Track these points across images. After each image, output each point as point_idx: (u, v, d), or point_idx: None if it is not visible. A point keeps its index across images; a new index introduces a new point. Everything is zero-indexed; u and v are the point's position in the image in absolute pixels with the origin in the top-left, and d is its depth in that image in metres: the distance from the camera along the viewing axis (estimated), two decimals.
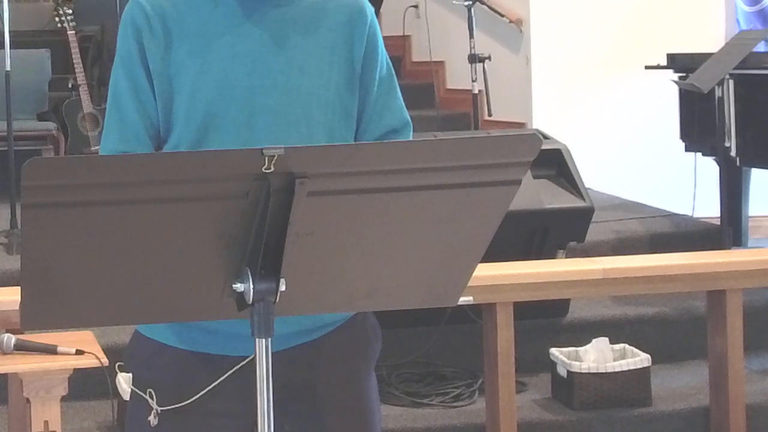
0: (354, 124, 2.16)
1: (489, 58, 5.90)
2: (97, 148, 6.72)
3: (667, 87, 5.85)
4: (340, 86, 2.13)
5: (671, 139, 5.89)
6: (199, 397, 2.09)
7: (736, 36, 5.86)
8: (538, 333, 4.54)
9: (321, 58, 2.12)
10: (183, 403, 2.09)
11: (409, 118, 2.24)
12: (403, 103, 2.25)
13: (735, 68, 5.15)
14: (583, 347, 4.27)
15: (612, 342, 4.29)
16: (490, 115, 6.03)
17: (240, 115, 2.06)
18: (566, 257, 4.50)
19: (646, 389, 4.22)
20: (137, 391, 2.14)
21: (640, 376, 4.21)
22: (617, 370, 4.19)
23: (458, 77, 7.38)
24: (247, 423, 2.14)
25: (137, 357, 2.19)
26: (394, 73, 2.24)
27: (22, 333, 3.30)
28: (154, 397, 2.11)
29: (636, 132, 6.76)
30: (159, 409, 2.10)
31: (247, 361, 2.07)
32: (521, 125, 6.81)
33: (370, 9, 2.20)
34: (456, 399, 4.27)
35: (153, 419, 2.10)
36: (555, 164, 4.56)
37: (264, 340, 1.69)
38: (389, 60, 2.23)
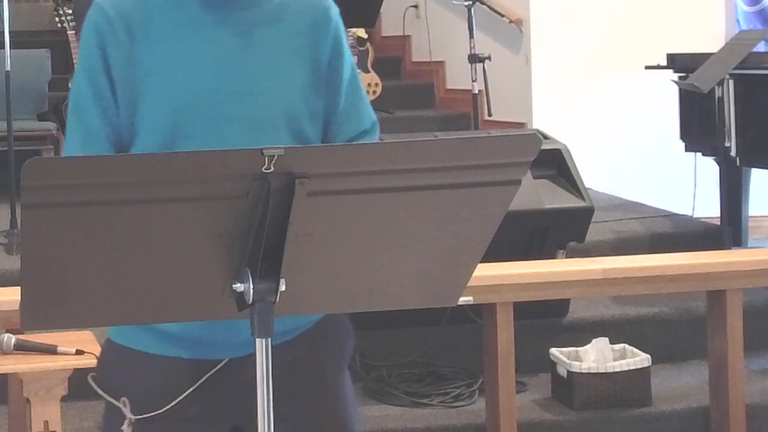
0: (320, 127, 2.14)
1: (489, 58, 5.90)
2: None
3: (667, 87, 5.85)
4: (305, 88, 2.10)
5: (671, 139, 5.89)
6: (175, 404, 2.06)
7: (736, 36, 5.86)
8: (538, 333, 4.54)
9: (287, 60, 2.10)
10: (158, 411, 2.06)
11: (375, 117, 2.24)
12: (369, 101, 2.25)
13: (735, 68, 5.14)
14: (583, 347, 4.28)
15: (612, 342, 4.29)
16: (490, 115, 6.03)
17: (207, 122, 2.03)
18: (566, 257, 4.50)
19: (646, 389, 4.22)
20: (110, 399, 2.10)
21: (640, 376, 4.21)
22: (617, 370, 4.19)
23: (458, 77, 7.38)
24: (224, 428, 2.12)
25: (109, 365, 2.16)
26: (357, 74, 2.23)
27: (22, 333, 3.30)
28: (128, 405, 2.08)
29: (636, 132, 6.76)
30: (133, 418, 2.07)
31: (221, 365, 2.06)
32: (521, 125, 6.81)
33: (335, 10, 2.18)
34: (456, 399, 4.27)
35: (127, 428, 2.07)
36: (555, 164, 4.56)
37: (264, 340, 1.69)
38: (353, 61, 2.22)
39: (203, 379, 2.06)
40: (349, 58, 2.19)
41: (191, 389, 2.06)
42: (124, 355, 2.11)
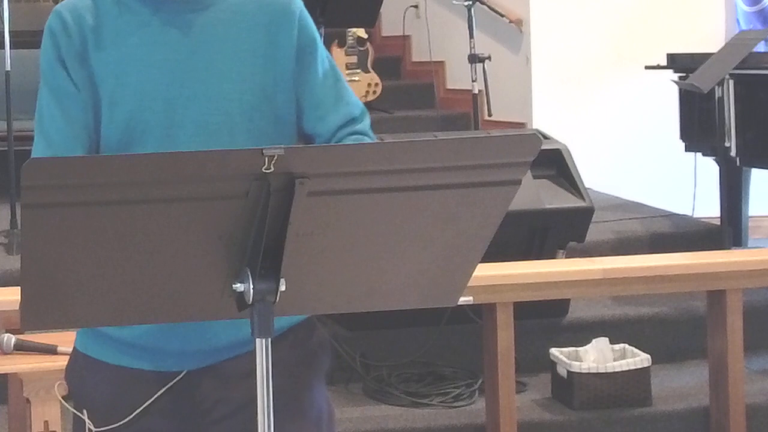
0: (290, 127, 2.11)
1: (489, 58, 5.90)
2: None
3: (667, 87, 5.85)
4: (267, 89, 2.06)
5: (671, 139, 5.89)
6: (134, 416, 2.05)
7: (736, 36, 5.86)
8: (538, 333, 4.54)
9: (242, 61, 2.06)
10: (117, 424, 2.06)
11: (362, 104, 2.20)
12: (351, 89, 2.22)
13: (735, 68, 5.15)
14: (583, 347, 4.28)
15: (612, 342, 4.29)
16: (490, 115, 6.03)
17: (159, 127, 2.01)
18: (566, 257, 4.50)
19: (646, 389, 4.22)
20: (73, 410, 2.10)
21: (640, 376, 4.21)
22: (617, 370, 4.19)
23: (458, 77, 7.38)
24: None
25: (73, 374, 2.15)
26: (334, 63, 2.18)
27: (22, 333, 3.30)
28: (87, 416, 2.07)
29: (636, 132, 6.76)
30: (94, 429, 2.07)
31: (180, 377, 2.05)
32: (521, 125, 6.81)
33: (297, 4, 2.13)
34: (456, 399, 4.26)
35: None
36: (555, 164, 4.56)
37: (264, 340, 1.68)
38: (326, 52, 2.18)
39: (160, 392, 2.05)
40: (322, 50, 2.15)
41: (148, 402, 2.04)
42: (87, 364, 2.11)
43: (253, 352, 1.98)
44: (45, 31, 2.07)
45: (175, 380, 2.05)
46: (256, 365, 1.89)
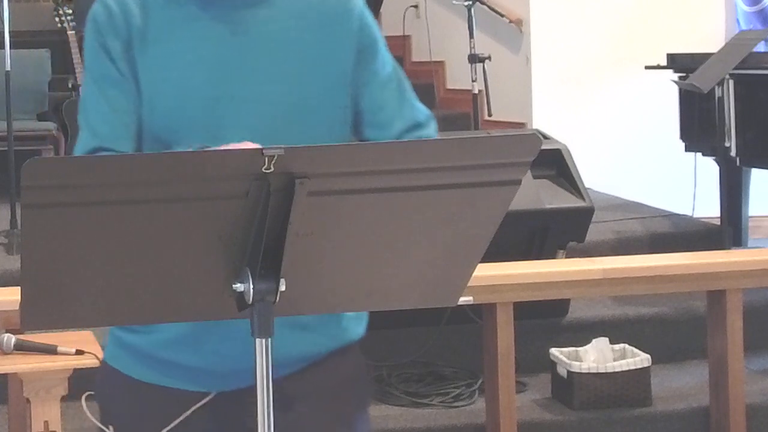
0: (343, 133, 1.98)
1: (489, 58, 5.90)
2: None
3: (667, 87, 5.85)
4: (319, 92, 1.95)
5: (671, 139, 5.89)
6: None
7: (736, 36, 5.87)
8: (538, 333, 4.54)
9: (293, 62, 1.94)
10: None
11: (427, 109, 2.08)
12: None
13: (735, 68, 5.15)
14: (583, 347, 4.27)
15: (612, 342, 4.29)
16: (490, 115, 6.02)
17: (201, 128, 1.91)
18: (566, 257, 4.50)
19: (646, 389, 4.22)
20: (100, 425, 2.05)
21: (640, 376, 4.21)
22: (617, 370, 4.19)
23: (458, 77, 7.38)
24: None
25: (100, 387, 2.09)
26: (398, 65, 2.06)
27: (22, 333, 3.30)
28: None
29: (636, 132, 6.76)
30: None
31: (209, 398, 1.97)
32: (521, 125, 6.81)
33: (357, 1, 2.01)
34: (456, 399, 4.26)
35: None
36: (555, 164, 4.56)
37: (264, 340, 1.68)
38: (388, 53, 2.05)
39: (189, 412, 1.97)
40: (384, 51, 2.03)
41: (175, 422, 1.97)
42: (114, 378, 2.04)
43: (289, 377, 1.96)
44: (88, 20, 1.98)
45: (203, 401, 1.98)
46: (293, 391, 1.90)
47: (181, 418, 1.97)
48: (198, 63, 1.93)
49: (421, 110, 2.07)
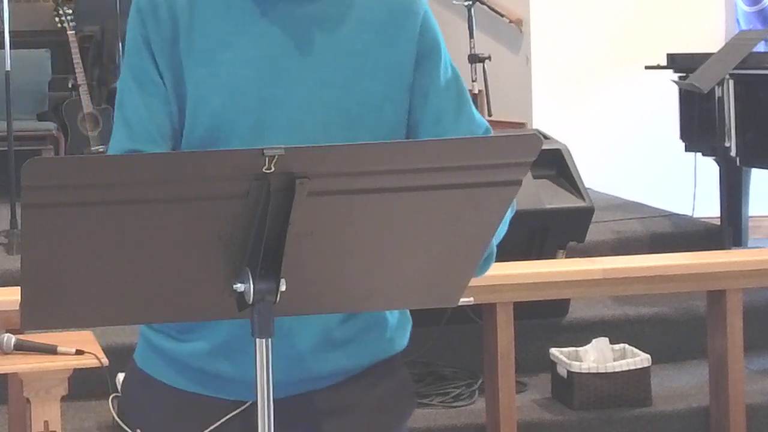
0: (397, 140, 1.87)
1: (489, 58, 5.90)
2: (96, 148, 6.73)
3: (667, 87, 5.85)
4: (374, 97, 1.86)
5: (671, 139, 5.89)
6: None
7: (736, 36, 5.87)
8: (538, 333, 4.54)
9: (352, 64, 1.85)
10: None
11: (486, 122, 1.97)
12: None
13: (735, 68, 5.15)
14: (583, 347, 4.28)
15: (612, 342, 4.29)
16: (490, 115, 6.03)
17: (248, 129, 1.83)
18: (566, 257, 4.50)
19: (646, 389, 4.22)
20: (125, 427, 1.98)
21: (640, 376, 4.21)
22: (617, 370, 4.19)
23: None
24: None
25: (128, 390, 2.02)
26: (459, 73, 1.95)
27: (22, 333, 3.30)
28: None
29: (636, 132, 6.76)
30: None
31: (242, 408, 1.89)
32: (521, 125, 6.81)
33: (421, 2, 1.91)
34: (456, 399, 4.26)
35: None
36: (555, 164, 4.56)
37: (264, 340, 1.68)
38: (450, 60, 1.95)
39: (223, 420, 1.90)
40: (446, 57, 1.93)
41: (209, 429, 1.89)
42: (143, 381, 1.97)
43: (327, 390, 1.92)
44: (132, 9, 1.88)
45: (237, 411, 1.90)
46: (331, 404, 1.88)
47: (214, 425, 1.90)
48: (246, 61, 1.84)
49: (480, 123, 1.96)
